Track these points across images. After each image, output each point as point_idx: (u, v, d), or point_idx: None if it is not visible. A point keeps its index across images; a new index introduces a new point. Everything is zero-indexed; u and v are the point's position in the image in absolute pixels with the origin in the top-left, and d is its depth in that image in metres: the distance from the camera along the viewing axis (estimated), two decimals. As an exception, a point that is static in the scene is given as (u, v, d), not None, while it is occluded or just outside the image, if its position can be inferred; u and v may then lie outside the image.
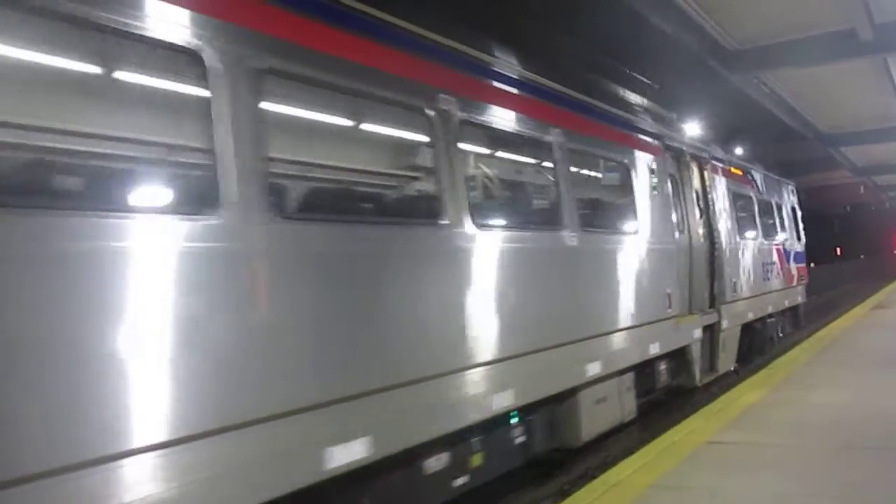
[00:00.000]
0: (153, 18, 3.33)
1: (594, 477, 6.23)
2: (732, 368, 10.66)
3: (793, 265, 14.78)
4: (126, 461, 3.03)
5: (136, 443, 3.08)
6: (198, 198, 3.51)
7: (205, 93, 3.54)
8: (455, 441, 5.10)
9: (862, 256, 53.54)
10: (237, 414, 3.47)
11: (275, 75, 3.92)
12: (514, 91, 6.14)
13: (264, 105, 3.86)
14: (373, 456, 4.16)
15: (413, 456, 4.70)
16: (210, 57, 3.54)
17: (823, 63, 13.61)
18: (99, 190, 3.35)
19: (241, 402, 3.51)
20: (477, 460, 5.39)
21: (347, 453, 4.02)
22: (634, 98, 9.09)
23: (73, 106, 3.39)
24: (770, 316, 12.94)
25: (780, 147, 20.07)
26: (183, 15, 3.47)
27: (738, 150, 12.45)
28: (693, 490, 5.21)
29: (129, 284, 3.14)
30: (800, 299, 15.28)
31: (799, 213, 16.02)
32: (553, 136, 6.47)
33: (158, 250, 3.25)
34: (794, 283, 14.89)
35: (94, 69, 3.46)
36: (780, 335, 13.83)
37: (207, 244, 3.44)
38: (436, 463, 4.96)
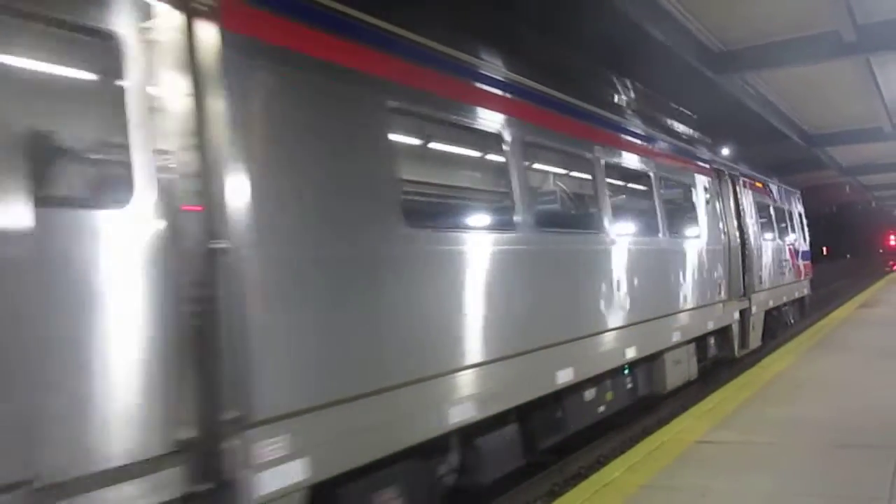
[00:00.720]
0: (486, 120, 5.95)
1: (586, 476, 6.25)
2: (758, 345, 12.92)
3: (801, 262, 17.25)
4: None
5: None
6: (509, 219, 6.05)
7: (503, 159, 6.06)
8: (597, 382, 7.30)
9: (848, 256, 53.96)
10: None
11: (530, 146, 6.38)
12: (637, 141, 8.82)
13: (526, 163, 6.33)
14: (574, 380, 6.55)
15: (580, 387, 6.92)
16: (507, 137, 6.07)
17: (807, 64, 13.71)
18: (462, 216, 6.11)
19: (532, 333, 6.06)
20: (609, 396, 7.68)
21: (566, 376, 6.42)
22: (683, 127, 11.18)
23: (456, 170, 6.43)
24: (784, 304, 15.31)
25: (766, 147, 20.16)
26: (495, 116, 6.04)
27: (725, 151, 12.63)
28: (684, 490, 5.24)
29: (482, 266, 5.61)
30: (806, 291, 17.77)
31: (804, 217, 18.48)
32: (652, 170, 8.94)
33: (502, 250, 5.83)
34: (802, 277, 17.41)
35: (468, 152, 6.27)
36: (792, 321, 16.12)
37: (511, 246, 6.01)
38: (587, 395, 7.20)
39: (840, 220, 53.21)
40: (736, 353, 11.62)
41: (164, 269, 3.32)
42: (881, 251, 57.65)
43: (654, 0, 10.60)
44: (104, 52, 3.27)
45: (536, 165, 6.82)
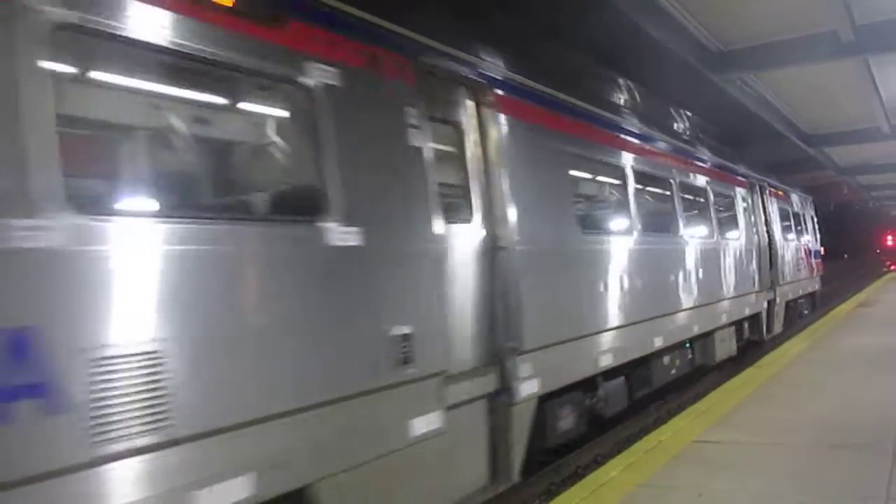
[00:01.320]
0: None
1: (583, 476, 6.25)
2: (780, 331, 15.10)
3: (813, 261, 19.67)
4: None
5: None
6: (628, 226, 8.34)
7: (624, 183, 8.41)
8: (671, 350, 9.38)
9: (845, 255, 53.93)
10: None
11: (641, 174, 8.85)
12: (699, 163, 11.39)
13: (639, 186, 8.79)
14: (662, 346, 8.75)
15: (662, 353, 9.05)
16: (629, 169, 8.52)
17: (805, 64, 13.65)
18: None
19: (643, 309, 8.27)
20: (678, 363, 9.76)
21: (658, 342, 8.62)
22: (726, 149, 13.54)
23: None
24: (800, 297, 17.64)
25: (764, 147, 20.12)
26: (628, 155, 8.60)
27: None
28: (680, 489, 5.25)
29: (618, 259, 7.86)
30: (817, 287, 20.15)
31: (816, 220, 21.05)
32: (708, 185, 11.45)
33: (627, 248, 8.10)
34: (815, 274, 19.81)
35: (610, 180, 8.58)
36: (805, 312, 18.41)
37: (631, 246, 8.20)
38: (665, 360, 9.30)
39: (838, 220, 53.08)
40: (764, 336, 13.91)
41: (477, 257, 5.66)
42: (878, 251, 57.64)
43: (653, -1, 10.63)
44: (454, 133, 5.69)
45: (641, 187, 8.96)
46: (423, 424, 4.61)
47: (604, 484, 5.45)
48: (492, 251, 5.73)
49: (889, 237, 59.30)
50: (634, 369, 8.22)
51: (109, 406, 2.93)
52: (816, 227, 21.00)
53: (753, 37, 12.75)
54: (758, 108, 16.87)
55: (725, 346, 11.51)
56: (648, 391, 8.86)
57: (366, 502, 4.27)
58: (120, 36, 3.26)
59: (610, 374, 7.50)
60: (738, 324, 12.24)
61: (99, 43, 3.28)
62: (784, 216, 16.49)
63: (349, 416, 4.09)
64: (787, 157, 22.97)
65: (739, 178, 13.37)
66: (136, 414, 3.02)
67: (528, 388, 5.80)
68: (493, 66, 6.09)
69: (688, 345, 10.06)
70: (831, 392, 8.34)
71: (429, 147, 5.05)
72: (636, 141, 8.90)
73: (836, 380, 9.08)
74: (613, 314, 7.54)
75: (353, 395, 4.12)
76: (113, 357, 2.97)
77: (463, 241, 5.49)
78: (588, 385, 7.15)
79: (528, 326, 5.86)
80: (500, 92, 5.98)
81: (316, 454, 3.85)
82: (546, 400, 6.19)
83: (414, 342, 4.55)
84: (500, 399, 5.55)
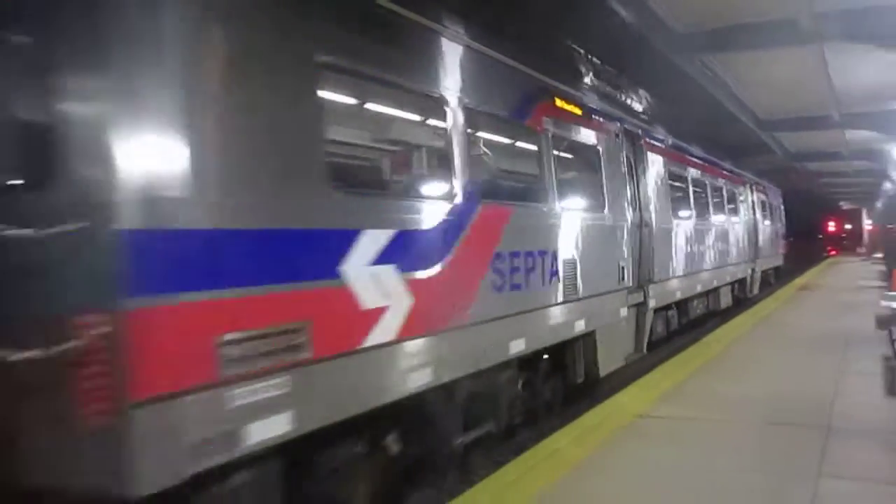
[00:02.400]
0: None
1: (527, 447, 6.28)
2: (757, 293, 20.33)
3: (780, 241, 25.52)
4: None
5: None
6: (690, 211, 13.75)
7: (684, 186, 13.69)
8: (698, 297, 13.86)
9: (791, 239, 55.43)
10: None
11: (710, 184, 15.72)
12: (723, 171, 17.21)
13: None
14: (700, 291, 13.86)
15: (706, 293, 14.62)
16: (690, 178, 14.12)
17: (764, 49, 13.80)
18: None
19: (699, 265, 13.73)
20: (700, 306, 14.27)
21: (700, 287, 13.74)
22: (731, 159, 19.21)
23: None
24: (770, 269, 23.27)
25: (718, 130, 20.41)
26: (692, 170, 14.23)
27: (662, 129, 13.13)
28: (622, 463, 5.32)
29: (699, 232, 13.96)
30: (781, 263, 25.91)
31: (783, 208, 27.09)
32: (726, 186, 16.81)
33: (698, 226, 13.92)
34: (780, 251, 25.56)
35: (683, 185, 13.47)
36: (772, 282, 23.81)
37: (696, 225, 13.71)
38: (695, 303, 13.75)
39: (785, 204, 54.39)
40: (748, 294, 19.02)
41: (636, 230, 9.84)
42: (820, 237, 59.40)
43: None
44: (628, 162, 9.89)
45: (695, 189, 13.76)
46: (623, 313, 8.96)
47: (548, 456, 5.50)
48: (641, 227, 9.94)
49: (831, 223, 61.21)
50: (681, 306, 12.60)
51: (562, 281, 7.17)
52: (783, 214, 27.00)
53: (716, 19, 12.82)
54: (715, 91, 17.05)
55: (726, 299, 16.36)
56: (687, 319, 13.14)
57: (604, 342, 8.29)
58: (563, 137, 7.80)
59: (672, 305, 11.95)
60: (733, 284, 17.25)
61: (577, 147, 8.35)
62: (763, 206, 21.91)
63: (606, 302, 8.39)
64: (740, 141, 23.34)
65: (739, 177, 18.92)
66: (569, 285, 7.34)
67: (652, 303, 10.21)
68: (635, 119, 10.52)
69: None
70: (774, 370, 8.58)
71: (626, 172, 9.52)
72: (692, 158, 13.89)
73: (779, 358, 9.36)
74: (682, 267, 12.03)
75: (609, 291, 8.49)
76: (566, 261, 7.26)
77: (633, 221, 9.60)
78: (667, 309, 11.63)
79: (654, 269, 10.27)
80: (642, 136, 10.47)
81: (598, 316, 8.10)
82: (656, 312, 10.62)
83: (623, 270, 8.94)
84: (641, 307, 9.86)
